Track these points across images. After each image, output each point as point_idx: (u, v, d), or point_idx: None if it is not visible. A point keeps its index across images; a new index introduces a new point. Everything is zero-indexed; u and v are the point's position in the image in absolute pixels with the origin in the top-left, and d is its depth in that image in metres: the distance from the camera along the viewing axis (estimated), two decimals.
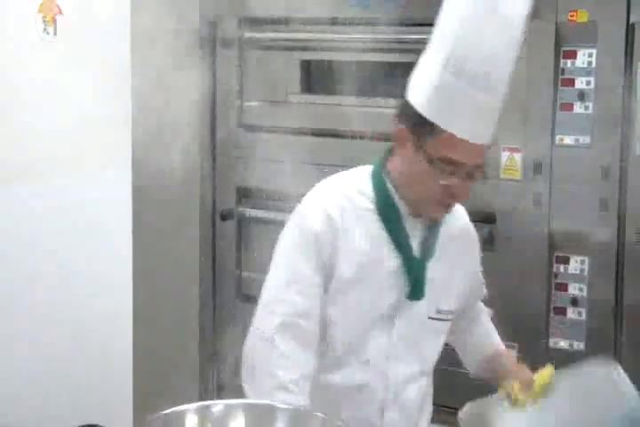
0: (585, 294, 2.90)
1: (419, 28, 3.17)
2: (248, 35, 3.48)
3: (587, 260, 2.87)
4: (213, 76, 3.52)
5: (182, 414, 1.91)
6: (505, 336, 2.48)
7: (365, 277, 2.21)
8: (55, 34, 3.54)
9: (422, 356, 2.31)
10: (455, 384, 2.82)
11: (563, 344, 2.95)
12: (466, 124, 2.10)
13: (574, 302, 2.91)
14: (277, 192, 3.43)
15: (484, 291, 2.47)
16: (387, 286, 2.23)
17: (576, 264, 3.04)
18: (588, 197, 3.02)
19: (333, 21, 3.30)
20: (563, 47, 2.95)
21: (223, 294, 3.57)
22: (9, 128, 3.47)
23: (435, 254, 2.26)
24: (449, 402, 2.54)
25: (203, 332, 3.58)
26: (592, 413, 2.18)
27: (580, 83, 3.02)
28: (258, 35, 3.47)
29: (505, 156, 3.05)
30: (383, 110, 3.27)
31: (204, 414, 1.92)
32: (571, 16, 2.93)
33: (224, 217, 3.51)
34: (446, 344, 2.38)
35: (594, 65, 2.94)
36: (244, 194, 3.54)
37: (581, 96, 3.02)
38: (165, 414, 1.89)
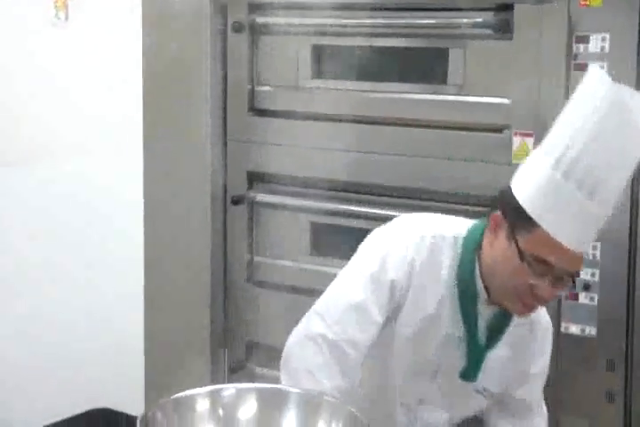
0: (597, 279, 2.89)
1: (431, 13, 3.15)
2: (259, 20, 3.47)
3: (599, 245, 2.86)
4: (224, 61, 3.51)
5: (193, 398, 1.91)
6: None
7: (423, 336, 2.18)
8: (67, 19, 3.55)
9: (456, 408, 2.30)
10: None
11: (574, 329, 2.94)
12: (567, 228, 1.99)
13: (587, 287, 2.90)
14: (289, 177, 3.43)
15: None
16: (442, 349, 2.20)
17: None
18: None
19: (345, 6, 3.29)
20: (576, 32, 2.93)
21: (234, 279, 3.57)
22: (24, 112, 3.48)
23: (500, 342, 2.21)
24: None
25: (214, 316, 3.58)
26: None
27: None
28: (269, 19, 3.46)
29: (517, 141, 3.03)
30: (395, 95, 3.26)
31: (215, 397, 1.93)
32: (584, 0, 2.91)
33: (235, 202, 3.50)
34: None
35: (607, 50, 2.92)
36: (255, 179, 3.53)
37: None
38: (176, 398, 1.90)
